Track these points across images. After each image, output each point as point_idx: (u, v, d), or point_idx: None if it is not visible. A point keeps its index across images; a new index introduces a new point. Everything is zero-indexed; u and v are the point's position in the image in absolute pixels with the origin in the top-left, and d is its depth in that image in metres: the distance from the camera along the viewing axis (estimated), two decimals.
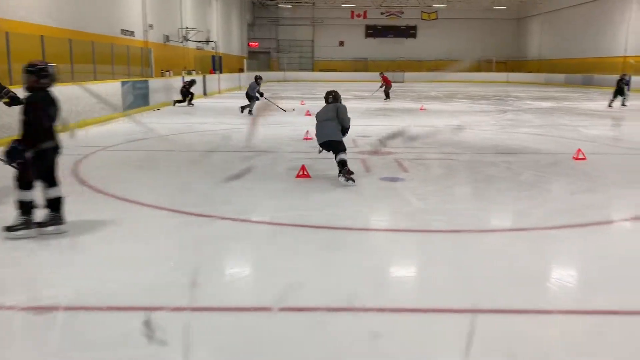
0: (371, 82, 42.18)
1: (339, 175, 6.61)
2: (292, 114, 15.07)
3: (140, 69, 18.71)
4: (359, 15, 49.77)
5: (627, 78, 19.01)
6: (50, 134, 4.47)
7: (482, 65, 47.60)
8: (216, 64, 29.12)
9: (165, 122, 13.89)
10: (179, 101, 18.38)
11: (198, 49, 28.07)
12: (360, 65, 50.34)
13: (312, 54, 51.57)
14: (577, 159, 8.30)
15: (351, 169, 6.56)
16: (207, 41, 29.16)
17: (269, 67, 48.27)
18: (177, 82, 19.52)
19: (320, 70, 49.11)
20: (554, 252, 4.49)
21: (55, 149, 4.55)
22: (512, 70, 48.22)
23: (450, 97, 26.00)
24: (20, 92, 4.98)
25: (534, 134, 11.80)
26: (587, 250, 4.49)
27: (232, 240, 4.67)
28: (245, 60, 39.91)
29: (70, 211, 4.77)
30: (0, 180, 5.71)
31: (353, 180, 6.48)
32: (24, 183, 4.46)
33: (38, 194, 4.56)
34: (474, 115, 16.23)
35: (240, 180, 6.97)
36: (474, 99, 24.01)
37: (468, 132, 11.86)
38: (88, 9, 15.85)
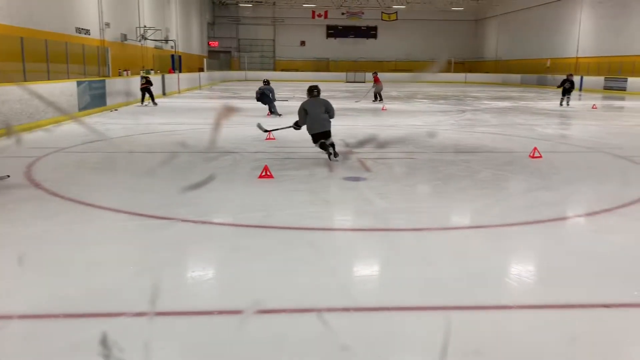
0: (333, 82, 42.37)
1: (329, 157, 7.94)
2: (255, 115, 14.96)
3: (97, 68, 18.24)
4: (319, 15, 49.89)
5: (571, 78, 19.88)
6: None
7: (442, 65, 48.42)
8: (175, 64, 28.67)
9: (123, 122, 13.59)
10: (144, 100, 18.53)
11: (157, 48, 27.57)
12: (322, 65, 50.49)
13: (274, 54, 51.41)
14: (533, 157, 8.53)
15: (314, 169, 6.59)
16: (166, 40, 28.67)
17: (229, 67, 47.87)
18: (136, 83, 19.15)
19: (282, 70, 49.00)
20: (512, 249, 4.59)
21: None
22: (470, 71, 49.27)
23: (410, 97, 26.36)
24: None
25: (492, 133, 12.07)
26: (544, 246, 4.62)
27: (194, 243, 4.60)
28: (205, 59, 39.44)
29: (23, 215, 4.61)
30: None
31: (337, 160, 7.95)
32: None
33: None
34: (434, 115, 16.49)
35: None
36: (433, 99, 24.40)
37: (429, 131, 12.04)
38: (41, 6, 15.34)
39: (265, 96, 14.84)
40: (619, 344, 3.00)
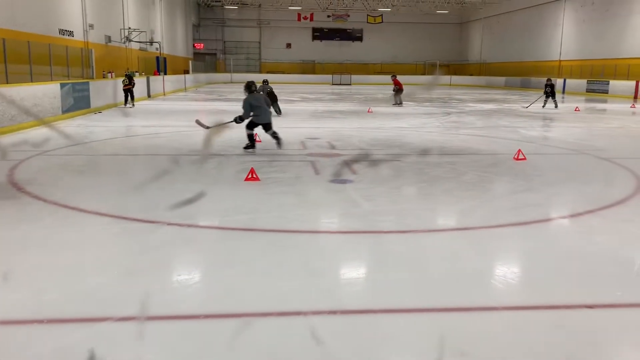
0: (319, 85, 42.42)
1: (277, 144, 9.08)
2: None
3: (81, 70, 18.06)
4: (305, 18, 49.89)
5: (551, 82, 20.43)
6: None
7: (427, 69, 48.73)
8: (160, 66, 28.49)
9: (107, 125, 13.46)
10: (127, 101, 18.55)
11: (141, 50, 27.37)
12: (308, 67, 50.51)
13: (259, 56, 51.30)
14: (517, 159, 8.60)
15: (300, 171, 6.70)
16: (151, 42, 28.49)
17: (215, 69, 47.68)
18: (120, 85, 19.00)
19: (268, 72, 48.91)
20: (497, 250, 4.63)
21: None
22: (455, 74, 49.60)
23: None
24: None
25: (477, 136, 12.16)
26: (529, 248, 4.65)
27: (179, 247, 4.56)
28: (190, 61, 39.26)
29: (5, 219, 4.54)
30: None
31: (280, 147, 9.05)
32: None
33: None
34: (419, 117, 16.57)
35: (188, 184, 6.81)
36: (418, 101, 24.52)
37: (413, 134, 12.09)
38: (23, 8, 15.16)
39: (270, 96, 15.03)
40: (602, 343, 3.03)
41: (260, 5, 48.49)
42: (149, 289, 3.59)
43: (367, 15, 49.91)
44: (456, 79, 47.52)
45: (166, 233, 4.85)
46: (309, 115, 16.69)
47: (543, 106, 20.35)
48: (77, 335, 2.95)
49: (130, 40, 24.98)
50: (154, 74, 26.80)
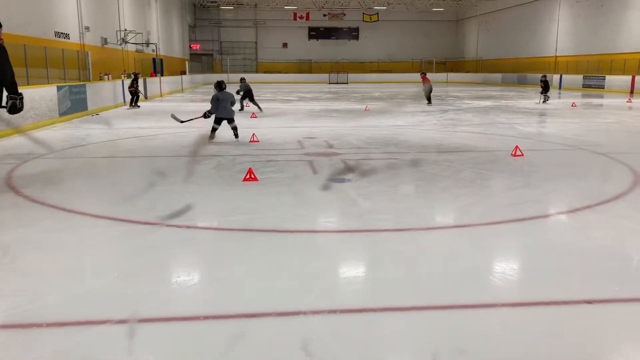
0: (316, 84, 42.42)
1: (235, 137, 10.09)
2: (237, 117, 14.91)
3: (77, 72, 18.04)
4: (301, 17, 49.91)
5: (543, 79, 20.61)
6: None
7: (424, 66, 48.78)
8: (157, 67, 28.47)
9: (105, 127, 13.44)
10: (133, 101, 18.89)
11: (138, 51, 27.35)
12: (305, 67, 50.53)
13: (256, 56, 51.31)
14: (514, 155, 8.62)
15: (298, 171, 6.86)
16: (147, 43, 28.47)
17: (212, 69, 47.68)
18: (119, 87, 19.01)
19: (264, 72, 48.93)
20: (496, 247, 4.64)
21: None
22: (452, 71, 49.68)
23: (392, 97, 26.48)
24: None
25: (474, 132, 12.17)
26: (527, 244, 4.66)
27: (178, 248, 4.56)
28: (187, 62, 39.23)
29: (3, 222, 4.54)
30: None
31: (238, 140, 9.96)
32: None
33: None
34: (416, 115, 16.57)
35: (185, 185, 6.82)
36: (415, 99, 24.53)
37: (411, 132, 12.10)
38: (19, 11, 15.14)
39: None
40: (602, 339, 3.04)
41: (256, 5, 48.50)
42: (147, 291, 3.59)
43: (363, 13, 49.95)
44: (453, 76, 47.58)
45: (164, 234, 4.85)
46: (306, 114, 16.69)
47: (544, 102, 20.59)
48: (77, 338, 2.95)
49: (126, 42, 24.96)
50: (151, 76, 26.78)
